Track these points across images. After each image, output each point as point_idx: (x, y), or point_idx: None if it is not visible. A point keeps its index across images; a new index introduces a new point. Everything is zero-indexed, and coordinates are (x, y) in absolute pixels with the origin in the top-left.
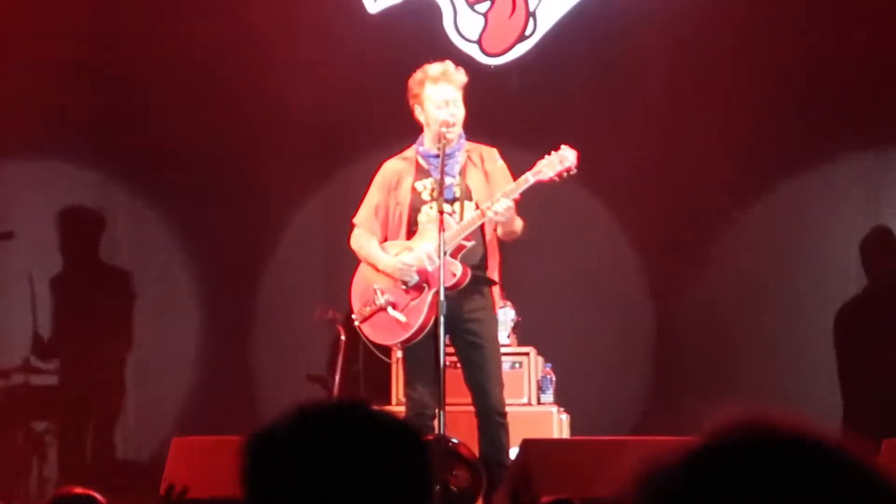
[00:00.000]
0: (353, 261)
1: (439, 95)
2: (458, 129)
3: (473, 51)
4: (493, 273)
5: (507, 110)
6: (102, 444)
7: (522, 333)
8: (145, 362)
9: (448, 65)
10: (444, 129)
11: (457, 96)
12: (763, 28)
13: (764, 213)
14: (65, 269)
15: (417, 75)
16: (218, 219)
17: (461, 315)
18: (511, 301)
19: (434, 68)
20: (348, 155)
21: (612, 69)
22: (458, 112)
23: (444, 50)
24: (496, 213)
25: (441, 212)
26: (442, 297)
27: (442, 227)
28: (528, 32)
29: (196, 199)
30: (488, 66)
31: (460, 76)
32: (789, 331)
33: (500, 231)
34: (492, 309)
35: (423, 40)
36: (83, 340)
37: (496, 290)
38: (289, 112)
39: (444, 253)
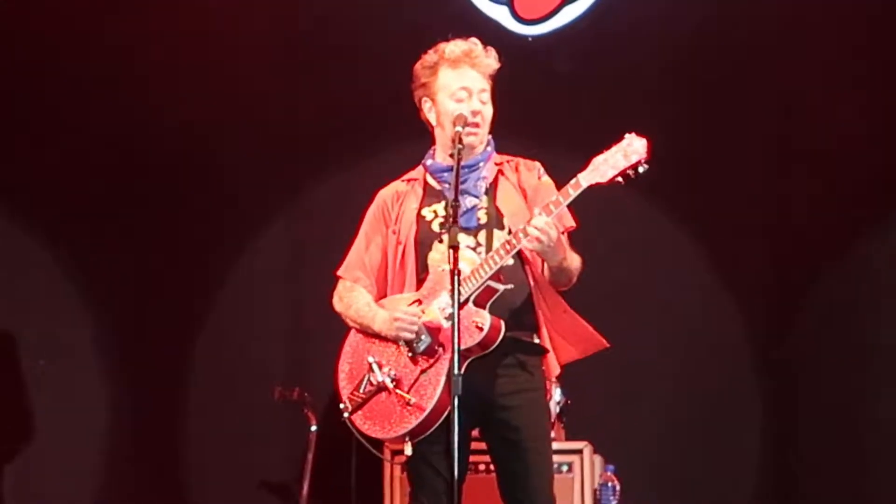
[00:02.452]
0: (329, 322)
1: (458, 83)
2: (485, 133)
3: (503, 16)
4: (546, 335)
5: (549, 100)
6: None
7: (573, 422)
8: (37, 462)
9: (474, 43)
10: (459, 129)
11: (484, 86)
12: None
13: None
14: None
15: (428, 58)
16: (131, 261)
17: (492, 398)
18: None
19: (453, 47)
20: (323, 170)
21: (700, 44)
22: (486, 109)
23: (462, 16)
24: (530, 235)
25: (453, 246)
26: (456, 369)
27: (454, 265)
28: None
29: (99, 230)
30: (524, 38)
31: (490, 60)
32: None
33: (545, 269)
34: (541, 390)
35: (434, 3)
36: None
37: (551, 360)
38: (244, 111)
39: (459, 298)
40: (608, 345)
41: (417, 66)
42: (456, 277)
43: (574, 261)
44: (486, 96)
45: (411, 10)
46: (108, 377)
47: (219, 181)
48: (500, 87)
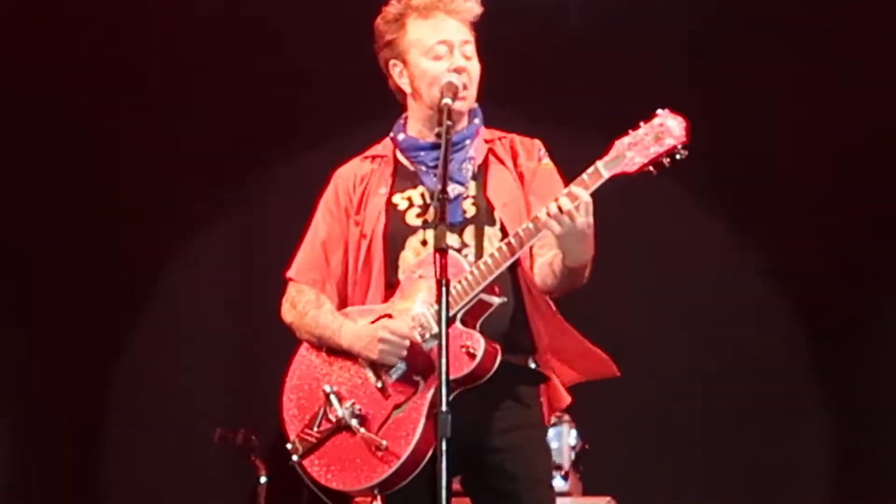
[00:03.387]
0: (281, 345)
1: (434, 36)
2: (473, 97)
3: None
4: (545, 360)
5: (558, 66)
6: None
7: (592, 471)
8: None
9: None
10: (448, 100)
11: (466, 37)
12: None
13: None
14: None
15: (392, 8)
16: (33, 267)
17: (481, 438)
18: (570, 414)
19: None
20: (268, 158)
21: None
22: (472, 66)
23: None
24: (565, 215)
25: (440, 250)
26: (444, 405)
27: (444, 272)
28: None
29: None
30: None
31: (470, 3)
32: None
33: (557, 264)
34: (540, 427)
35: None
36: None
37: (554, 388)
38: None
39: (447, 317)
40: (618, 373)
41: (378, 21)
42: (444, 289)
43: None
44: (471, 49)
45: None
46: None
47: (142, 177)
48: (498, 49)
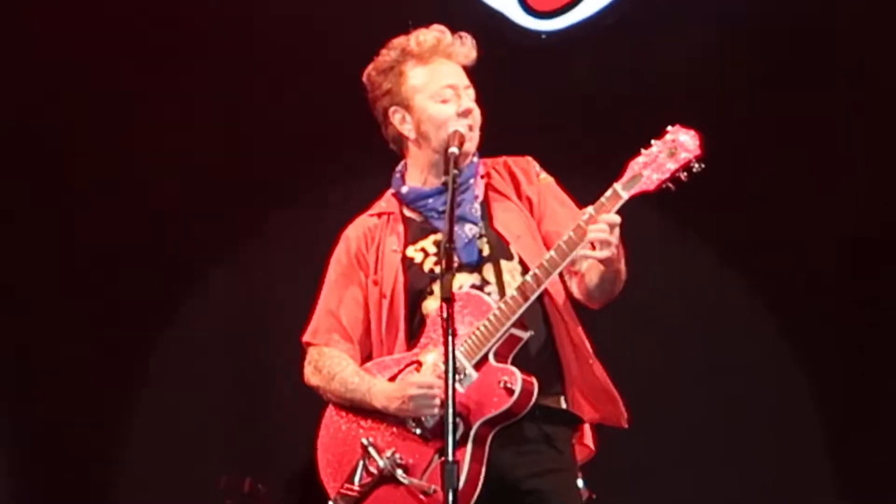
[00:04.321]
0: (288, 392)
1: (439, 80)
2: (477, 138)
3: (510, 7)
4: (574, 396)
5: (566, 109)
6: None
7: None
8: None
9: (441, 31)
10: (454, 150)
11: (467, 81)
12: None
13: None
14: None
15: (386, 57)
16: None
17: (513, 480)
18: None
19: (420, 38)
20: (278, 206)
21: (756, 39)
22: (477, 109)
23: (452, 5)
24: (596, 239)
25: (445, 299)
26: (450, 455)
27: (451, 323)
28: None
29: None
30: (536, 35)
31: (466, 48)
32: None
33: (592, 281)
34: (572, 471)
35: None
36: None
37: (587, 434)
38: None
39: (477, 353)
40: (625, 424)
41: (370, 71)
42: (451, 338)
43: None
44: (472, 93)
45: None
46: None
47: (149, 226)
48: (507, 93)
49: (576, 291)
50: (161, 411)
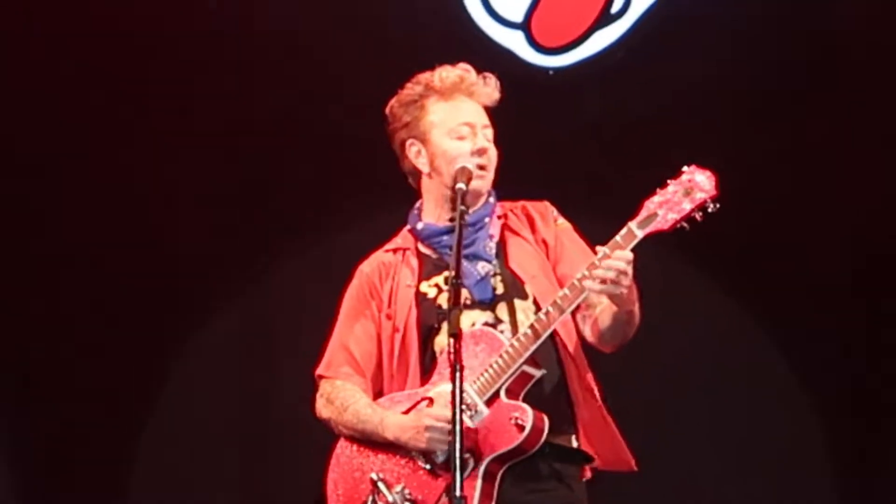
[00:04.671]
0: (301, 433)
1: (457, 117)
2: (491, 178)
3: (517, 43)
4: (586, 436)
5: (575, 148)
6: None
7: None
8: None
9: (465, 70)
10: (462, 185)
11: (486, 121)
12: None
13: None
14: None
15: (410, 91)
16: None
17: None
18: None
19: (444, 74)
20: (291, 240)
21: (771, 78)
22: (492, 149)
23: (465, 42)
24: (609, 275)
25: (455, 334)
26: (458, 489)
27: (458, 358)
28: (614, 10)
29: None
30: (544, 71)
31: (489, 88)
32: None
33: (605, 323)
34: None
35: (423, 24)
36: None
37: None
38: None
39: (489, 390)
40: (634, 468)
41: (393, 103)
42: (458, 373)
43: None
44: (491, 134)
45: (403, 37)
46: None
47: (157, 258)
48: (515, 131)
49: (589, 335)
50: (166, 445)
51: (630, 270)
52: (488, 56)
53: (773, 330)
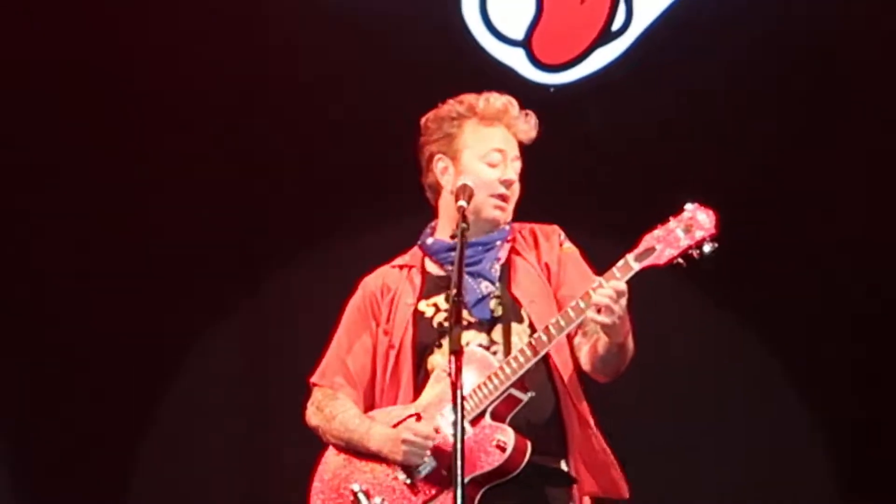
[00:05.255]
0: (301, 448)
1: (492, 142)
2: (511, 211)
3: (518, 61)
4: (576, 466)
5: (576, 166)
6: None
7: None
8: None
9: (510, 102)
10: (463, 203)
11: (517, 153)
12: None
13: None
14: None
15: (452, 108)
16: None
17: None
18: None
19: (491, 100)
20: (290, 254)
21: (775, 95)
22: (517, 184)
23: (461, 59)
24: (602, 303)
25: (456, 351)
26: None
27: (457, 374)
28: (615, 27)
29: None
30: (545, 88)
31: (527, 126)
32: None
33: (597, 353)
34: None
35: (424, 42)
36: None
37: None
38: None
39: (475, 410)
40: (626, 495)
41: (430, 116)
42: (459, 391)
43: (630, 342)
44: (519, 167)
45: (405, 54)
46: None
47: (158, 262)
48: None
49: (585, 363)
50: (167, 452)
51: (623, 302)
52: (490, 74)
53: (774, 346)
